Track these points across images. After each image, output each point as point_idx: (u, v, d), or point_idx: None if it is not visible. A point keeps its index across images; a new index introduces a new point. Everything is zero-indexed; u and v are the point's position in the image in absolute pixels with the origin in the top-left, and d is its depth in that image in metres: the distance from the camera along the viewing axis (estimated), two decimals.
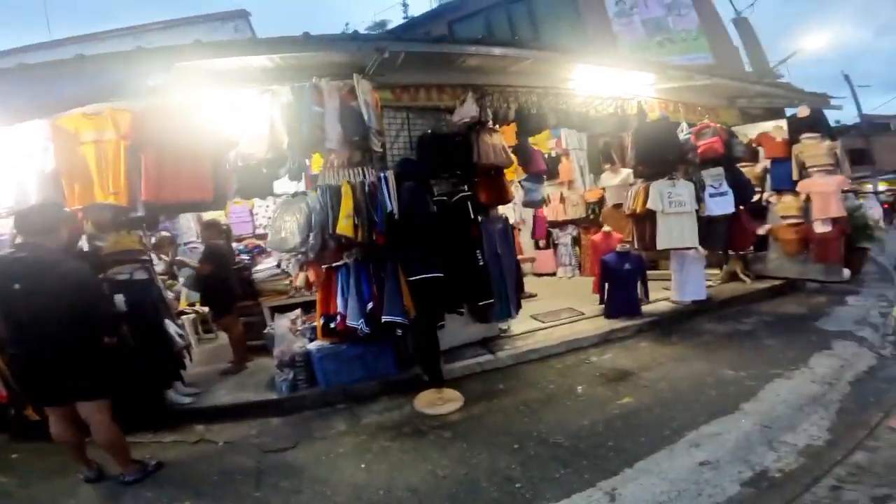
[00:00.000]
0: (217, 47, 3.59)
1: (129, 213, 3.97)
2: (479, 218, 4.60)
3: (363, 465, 3.05)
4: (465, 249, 4.41)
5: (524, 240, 8.59)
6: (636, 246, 5.88)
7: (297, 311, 4.94)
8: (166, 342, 4.31)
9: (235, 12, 10.81)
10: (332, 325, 4.17)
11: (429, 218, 4.03)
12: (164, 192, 3.85)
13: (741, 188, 5.78)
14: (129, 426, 3.34)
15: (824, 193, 6.10)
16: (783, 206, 6.54)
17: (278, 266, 5.66)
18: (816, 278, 6.56)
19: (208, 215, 6.19)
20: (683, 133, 5.71)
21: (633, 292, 5.55)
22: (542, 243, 8.65)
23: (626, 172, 6.44)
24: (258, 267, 6.00)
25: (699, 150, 5.62)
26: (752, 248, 6.62)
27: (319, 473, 3.03)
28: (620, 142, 5.86)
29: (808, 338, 4.64)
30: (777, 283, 6.67)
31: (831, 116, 7.15)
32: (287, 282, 5.73)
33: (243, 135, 4.05)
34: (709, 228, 5.67)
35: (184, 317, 6.02)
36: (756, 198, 6.55)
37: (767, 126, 6.56)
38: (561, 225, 8.41)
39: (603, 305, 5.66)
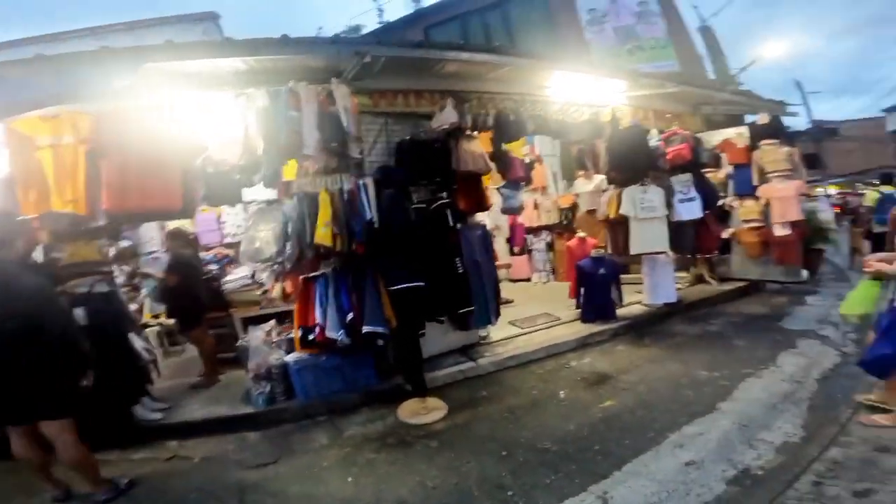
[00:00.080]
0: (190, 48, 3.45)
1: (89, 222, 3.75)
2: (458, 225, 4.58)
3: (350, 479, 2.97)
4: (444, 257, 4.38)
5: (499, 246, 8.63)
6: (610, 251, 6.00)
7: (272, 323, 4.79)
8: (131, 357, 4.11)
9: (205, 14, 10.48)
10: (311, 337, 4.05)
11: (409, 226, 3.99)
12: (128, 200, 3.67)
13: (707, 193, 5.99)
14: (96, 444, 3.16)
15: (783, 198, 6.39)
16: (745, 211, 6.81)
17: (252, 277, 5.47)
18: (777, 279, 6.87)
19: (173, 224, 5.94)
20: (654, 140, 5.87)
21: (608, 296, 5.64)
22: (516, 249, 8.71)
23: (600, 179, 6.58)
24: (229, 277, 5.79)
25: (668, 157, 5.80)
26: (717, 251, 6.85)
27: (305, 488, 2.93)
28: (594, 148, 5.99)
29: (774, 337, 4.82)
30: (741, 284, 6.93)
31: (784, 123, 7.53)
32: (259, 292, 5.55)
33: (215, 140, 3.90)
34: (678, 233, 5.84)
35: (148, 329, 5.74)
36: (720, 203, 6.80)
37: (730, 133, 6.84)
38: (535, 231, 8.49)
39: (579, 310, 5.73)
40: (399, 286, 3.85)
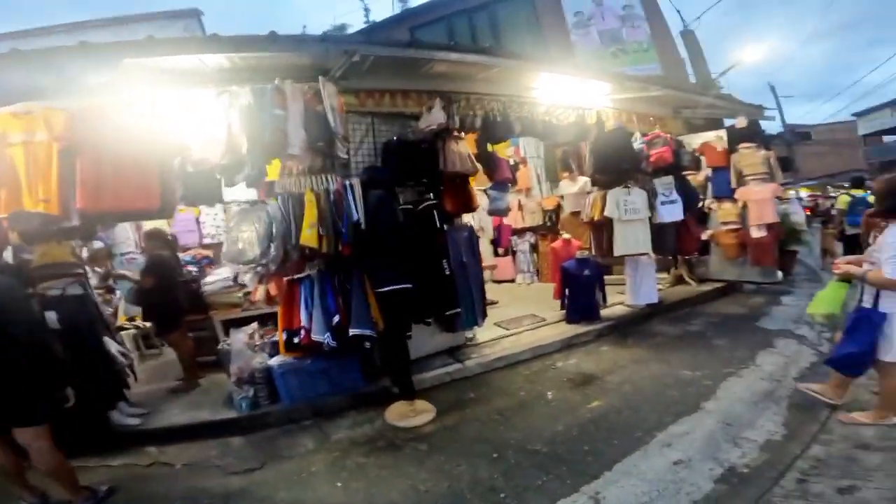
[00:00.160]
0: (173, 44, 3.34)
1: (62, 222, 3.60)
2: (445, 226, 4.56)
3: (339, 484, 2.92)
4: (431, 259, 4.36)
5: (483, 247, 8.64)
6: (594, 252, 6.07)
7: (254, 325, 4.68)
8: (106, 361, 3.98)
9: (186, 11, 10.27)
10: (296, 340, 3.98)
11: (397, 227, 3.95)
12: (103, 199, 3.53)
13: (688, 196, 6.11)
14: (72, 450, 3.06)
15: (760, 200, 6.58)
16: (723, 213, 6.99)
17: (235, 280, 5.35)
18: (753, 280, 7.05)
19: (151, 224, 5.77)
20: (637, 142, 5.96)
21: (593, 298, 5.70)
22: (501, 250, 8.74)
23: (584, 181, 6.64)
24: (208, 279, 5.64)
25: (651, 159, 5.90)
26: (697, 252, 6.99)
27: (293, 494, 2.87)
28: (578, 150, 6.05)
29: (752, 337, 4.94)
30: (719, 285, 7.09)
31: None
32: (241, 294, 5.43)
33: (196, 138, 3.78)
34: (660, 234, 5.95)
35: (123, 333, 5.56)
36: (699, 205, 6.95)
37: (709, 136, 7.00)
38: (519, 232, 8.54)
39: (564, 311, 5.77)
40: (387, 288, 3.81)
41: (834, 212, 8.98)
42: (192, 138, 3.77)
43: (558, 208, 7.95)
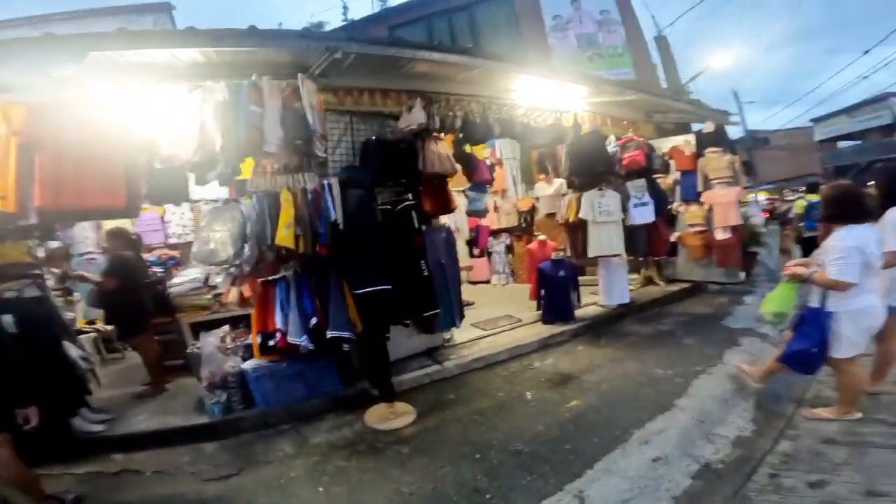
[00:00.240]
0: (146, 36, 3.19)
1: (18, 220, 3.39)
2: (423, 227, 4.54)
3: (321, 489, 2.86)
4: (410, 260, 4.31)
5: (459, 248, 8.63)
6: (569, 253, 6.16)
7: (225, 328, 4.53)
8: (67, 366, 3.79)
9: (157, 4, 9.86)
10: (271, 343, 3.88)
11: (376, 228, 3.90)
12: (64, 196, 3.33)
13: (659, 199, 6.29)
14: (33, 459, 2.92)
15: (724, 203, 6.83)
16: (690, 215, 7.23)
17: (206, 281, 5.17)
18: (718, 280, 7.32)
19: (113, 223, 5.51)
20: (611, 146, 6.08)
21: (568, 298, 5.78)
22: (476, 251, 8.77)
23: (560, 182, 6.74)
24: (175, 280, 5.43)
25: (624, 163, 6.04)
26: (667, 254, 7.20)
27: (273, 500, 2.80)
28: (554, 153, 6.13)
29: (719, 335, 5.12)
30: (686, 285, 7.33)
31: None
32: (210, 296, 5.25)
33: (166, 134, 3.63)
34: (631, 236, 6.10)
35: (83, 336, 5.29)
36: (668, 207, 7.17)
37: (678, 140, 7.23)
38: (494, 233, 8.58)
39: (540, 311, 5.84)
40: (365, 289, 3.75)
41: (791, 215, 9.41)
42: (161, 134, 3.62)
43: (533, 210, 8.04)
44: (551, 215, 6.82)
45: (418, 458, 3.11)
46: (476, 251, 8.77)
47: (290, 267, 3.98)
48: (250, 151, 3.66)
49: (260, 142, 3.53)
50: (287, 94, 3.63)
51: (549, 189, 6.99)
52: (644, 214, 6.05)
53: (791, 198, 15.04)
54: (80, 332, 5.43)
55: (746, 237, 7.52)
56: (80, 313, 5.92)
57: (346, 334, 3.76)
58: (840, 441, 2.77)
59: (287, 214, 3.66)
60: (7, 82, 2.98)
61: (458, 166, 5.02)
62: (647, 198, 6.06)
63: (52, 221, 4.23)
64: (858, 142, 24.30)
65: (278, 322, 3.87)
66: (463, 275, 8.19)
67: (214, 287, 5.19)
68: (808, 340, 2.97)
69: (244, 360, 4.10)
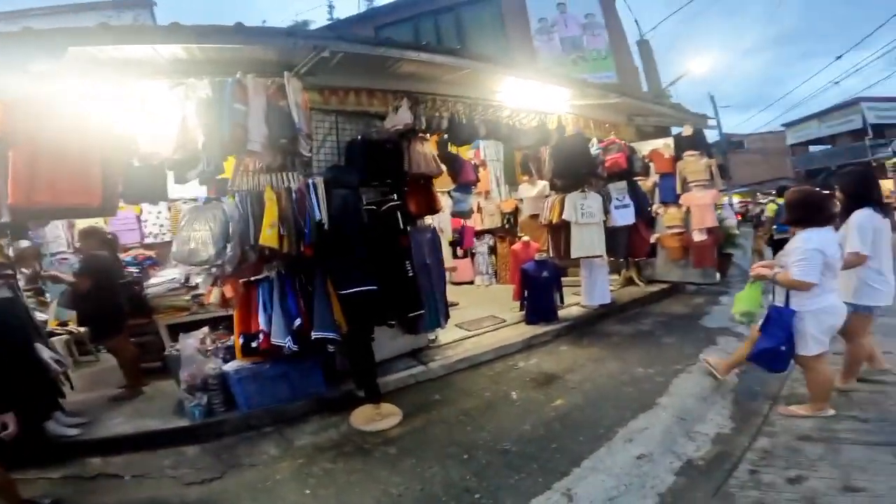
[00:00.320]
0: (129, 32, 3.11)
1: None
2: (409, 228, 4.53)
3: (308, 491, 2.82)
4: (395, 260, 4.30)
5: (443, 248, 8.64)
6: (552, 254, 6.23)
7: (205, 329, 4.44)
8: (40, 368, 3.66)
9: (137, 1, 9.58)
10: (254, 345, 3.82)
11: (362, 228, 3.88)
12: (39, 193, 3.22)
13: (640, 201, 6.41)
14: (6, 463, 2.82)
15: (701, 206, 7.01)
16: (668, 217, 7.40)
17: (186, 281, 5.05)
18: (695, 281, 7.51)
19: (86, 222, 5.35)
20: (594, 148, 6.17)
21: (551, 299, 5.85)
22: (460, 252, 8.78)
23: (543, 184, 6.81)
24: (153, 280, 5.30)
25: (606, 165, 6.13)
26: (647, 255, 7.34)
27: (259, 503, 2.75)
28: (538, 154, 6.18)
29: (696, 335, 5.25)
30: (664, 286, 7.49)
31: None
32: (188, 297, 5.13)
33: (145, 132, 3.54)
34: (613, 238, 6.20)
35: (54, 338, 5.12)
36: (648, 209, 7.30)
37: (658, 143, 7.39)
38: (478, 234, 8.61)
39: (523, 312, 5.89)
40: (351, 290, 3.72)
41: (763, 218, 9.71)
42: (140, 131, 3.53)
43: (516, 211, 8.10)
44: (535, 216, 6.88)
45: (406, 458, 3.10)
46: (460, 252, 8.78)
47: (274, 267, 3.93)
48: (234, 149, 3.59)
49: (244, 140, 3.47)
50: (272, 92, 3.57)
51: (533, 190, 7.05)
52: (625, 216, 6.16)
53: (763, 201, 15.51)
54: (52, 333, 5.25)
55: (722, 239, 7.74)
56: (52, 314, 5.73)
57: (331, 335, 3.73)
58: (815, 437, 2.86)
59: (271, 214, 3.61)
60: None
61: (444, 167, 5.02)
62: (627, 200, 6.17)
63: (25, 219, 4.08)
64: (829, 146, 25.20)
65: (261, 323, 3.81)
66: (447, 275, 8.23)
67: (194, 288, 5.08)
68: (775, 339, 3.07)
69: (225, 361, 4.03)
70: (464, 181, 5.32)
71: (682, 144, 7.13)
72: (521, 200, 7.58)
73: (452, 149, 5.39)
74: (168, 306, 5.14)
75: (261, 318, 3.83)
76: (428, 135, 4.78)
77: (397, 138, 4.43)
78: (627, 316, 6.32)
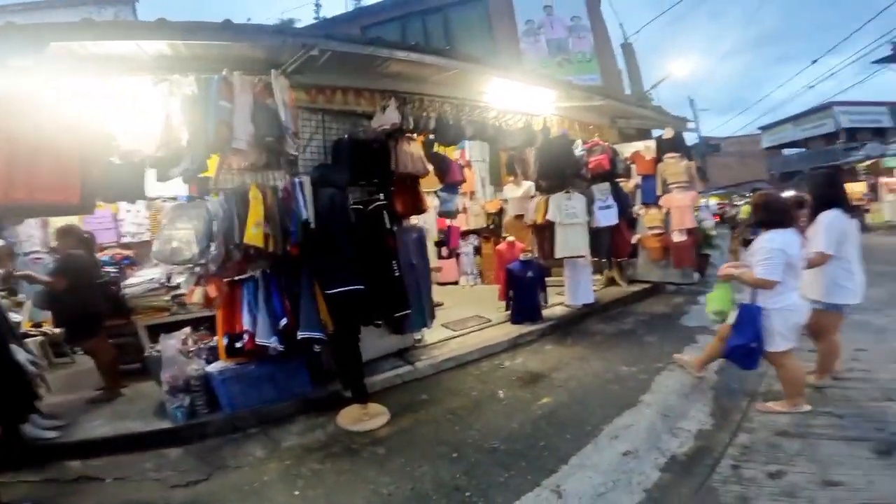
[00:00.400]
0: (117, 28, 3.05)
1: None
2: (395, 227, 4.52)
3: (297, 493, 2.80)
4: (381, 260, 4.29)
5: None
6: (537, 254, 6.29)
7: (187, 330, 4.36)
8: (14, 370, 3.56)
9: None
10: (238, 345, 3.77)
11: (349, 228, 3.86)
12: (16, 190, 3.13)
13: (622, 202, 6.52)
14: None
15: (681, 207, 7.16)
16: (649, 218, 7.53)
17: (168, 280, 4.95)
18: (674, 281, 7.68)
19: (62, 220, 5.19)
20: (578, 150, 6.25)
21: (536, 298, 5.90)
22: (445, 252, 8.80)
23: (528, 185, 6.86)
24: (131, 280, 5.17)
25: (590, 166, 6.22)
26: (629, 255, 7.47)
27: None
28: (523, 155, 6.23)
29: (677, 333, 5.38)
30: (645, 286, 7.64)
31: None
32: (168, 297, 5.03)
33: (127, 129, 3.45)
34: (596, 238, 6.29)
35: (29, 339, 4.96)
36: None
37: (639, 145, 7.52)
38: (463, 234, 8.64)
39: (508, 312, 5.93)
40: (337, 289, 3.70)
41: (739, 220, 9.99)
42: (122, 128, 3.44)
43: (501, 211, 8.15)
44: (520, 217, 6.94)
45: (395, 458, 3.10)
46: (445, 252, 8.79)
47: (259, 267, 3.88)
48: (219, 147, 3.53)
49: (229, 138, 3.43)
50: (258, 90, 3.53)
51: (518, 191, 7.11)
52: (608, 217, 6.25)
53: (739, 203, 15.91)
54: (27, 335, 5.09)
55: (700, 240, 7.92)
56: (27, 315, 5.56)
57: (317, 335, 3.70)
58: (793, 433, 2.96)
59: (256, 213, 3.58)
60: None
61: (430, 167, 5.03)
62: (610, 201, 6.26)
63: (2, 217, 3.94)
64: (803, 149, 25.95)
65: (246, 323, 3.77)
66: (433, 276, 8.23)
67: (174, 288, 4.99)
68: (746, 336, 3.18)
69: (208, 362, 3.97)
70: (451, 181, 5.34)
71: (662, 147, 7.27)
72: (506, 201, 7.63)
73: (439, 149, 5.41)
74: (147, 307, 5.03)
75: (245, 318, 3.79)
76: (415, 135, 4.78)
77: (384, 138, 4.42)
78: (610, 315, 6.42)
